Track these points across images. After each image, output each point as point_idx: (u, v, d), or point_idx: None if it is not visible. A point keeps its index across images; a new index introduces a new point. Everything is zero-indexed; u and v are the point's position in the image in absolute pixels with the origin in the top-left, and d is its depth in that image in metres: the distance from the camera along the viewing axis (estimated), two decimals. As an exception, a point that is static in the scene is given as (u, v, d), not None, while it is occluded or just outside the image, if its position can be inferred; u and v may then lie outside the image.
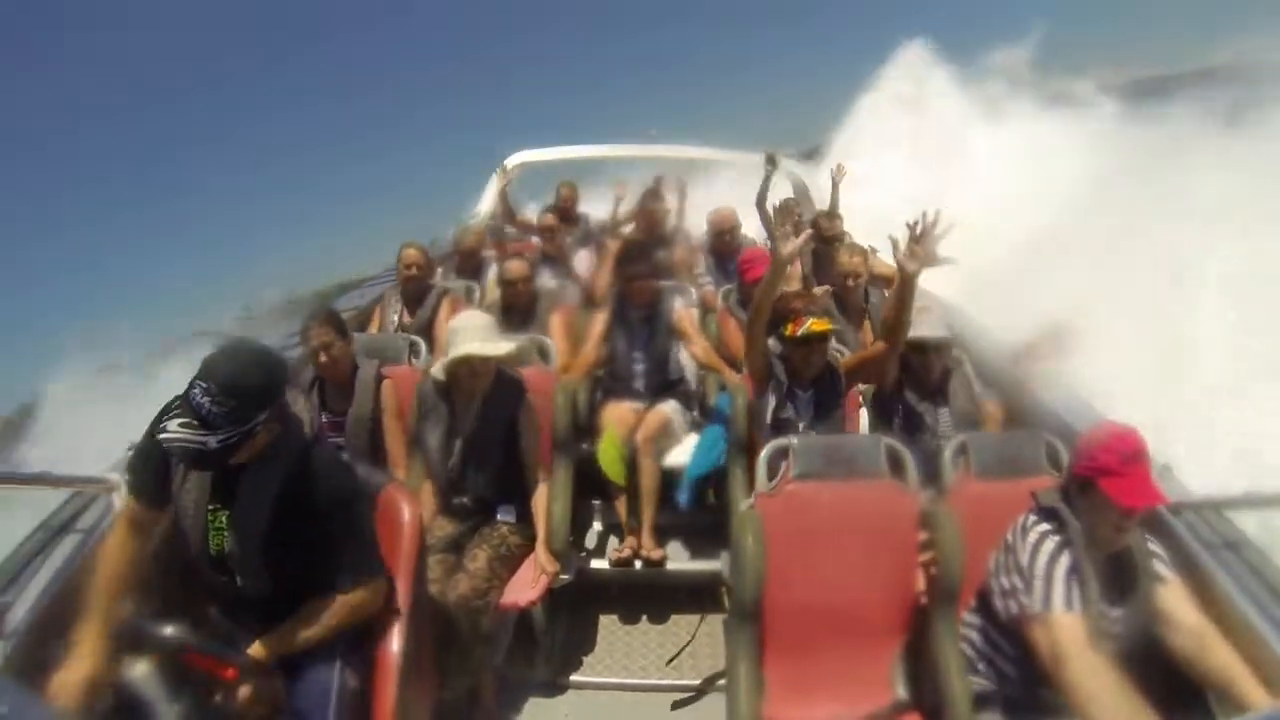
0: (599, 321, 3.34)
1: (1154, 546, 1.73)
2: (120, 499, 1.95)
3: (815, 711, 1.96)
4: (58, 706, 1.37)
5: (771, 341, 2.53)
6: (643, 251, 3.40)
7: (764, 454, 2.22)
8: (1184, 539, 1.90)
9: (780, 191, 5.47)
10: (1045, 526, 1.67)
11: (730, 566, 2.20)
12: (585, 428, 3.09)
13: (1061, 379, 2.65)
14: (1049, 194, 6.75)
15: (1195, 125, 6.90)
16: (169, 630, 1.39)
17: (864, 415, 2.82)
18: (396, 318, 3.78)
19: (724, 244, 4.49)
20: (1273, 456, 3.79)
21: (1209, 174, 5.86)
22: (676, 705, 2.53)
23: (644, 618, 2.95)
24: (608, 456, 2.93)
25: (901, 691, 1.98)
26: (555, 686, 2.61)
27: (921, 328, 2.52)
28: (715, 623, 2.85)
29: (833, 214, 4.55)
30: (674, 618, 2.94)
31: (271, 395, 1.46)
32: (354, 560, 1.60)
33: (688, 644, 2.79)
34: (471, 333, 2.44)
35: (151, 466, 1.59)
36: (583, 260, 4.76)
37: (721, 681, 2.34)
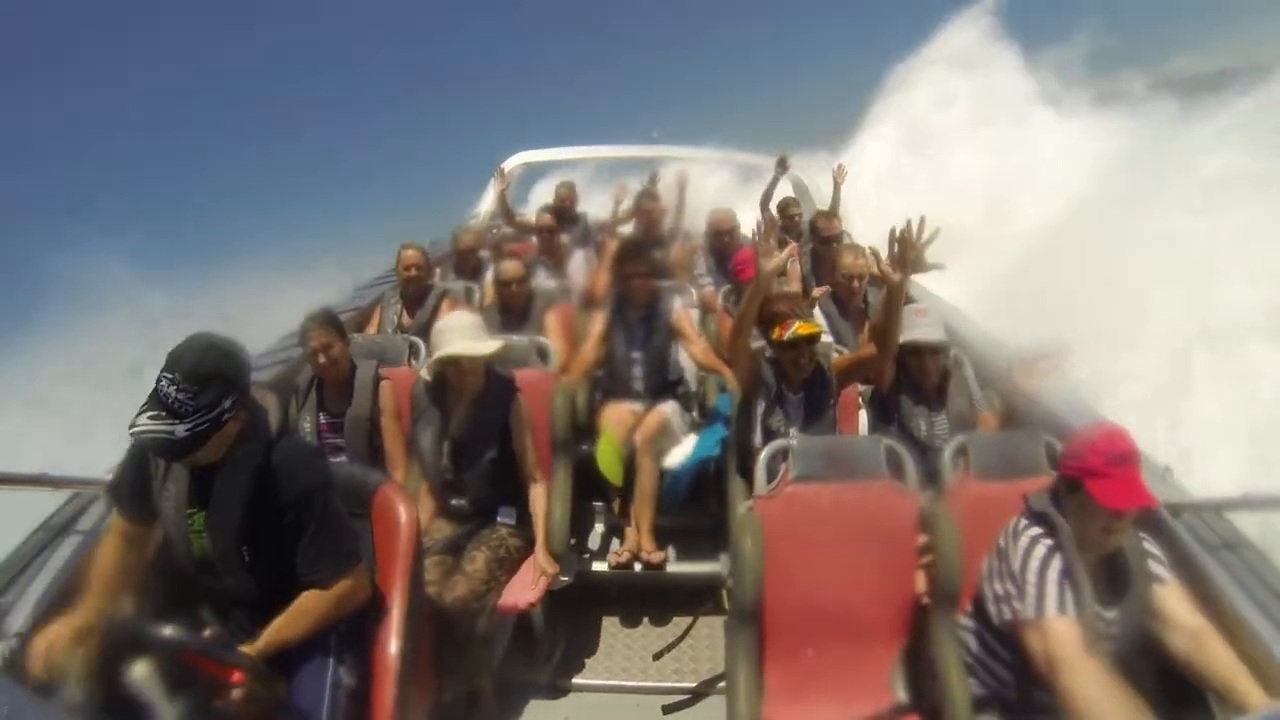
0: (598, 321, 3.33)
1: (1150, 547, 1.72)
2: None
3: (815, 713, 1.95)
4: (58, 708, 1.37)
5: (761, 345, 2.54)
6: (640, 250, 3.39)
7: (763, 456, 2.22)
8: (1184, 540, 1.90)
9: (780, 190, 5.50)
10: (1036, 530, 1.66)
11: (730, 568, 2.20)
12: (584, 429, 3.08)
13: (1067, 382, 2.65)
14: (1101, 187, 6.62)
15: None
16: (173, 633, 1.39)
17: (863, 417, 2.82)
18: (396, 319, 3.79)
19: (723, 244, 4.49)
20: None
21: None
22: (676, 707, 2.53)
23: (644, 620, 2.95)
24: (606, 458, 2.92)
25: (901, 693, 1.98)
26: (555, 688, 2.61)
27: (918, 330, 2.52)
28: (715, 624, 2.85)
29: (832, 214, 4.56)
30: (674, 620, 2.93)
31: (236, 381, 1.48)
32: (331, 551, 1.60)
33: (682, 643, 2.79)
34: (457, 333, 2.43)
35: (130, 479, 1.63)
36: (580, 260, 4.75)
37: (721, 683, 2.34)
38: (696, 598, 2.94)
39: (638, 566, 2.90)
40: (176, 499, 1.59)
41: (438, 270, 4.35)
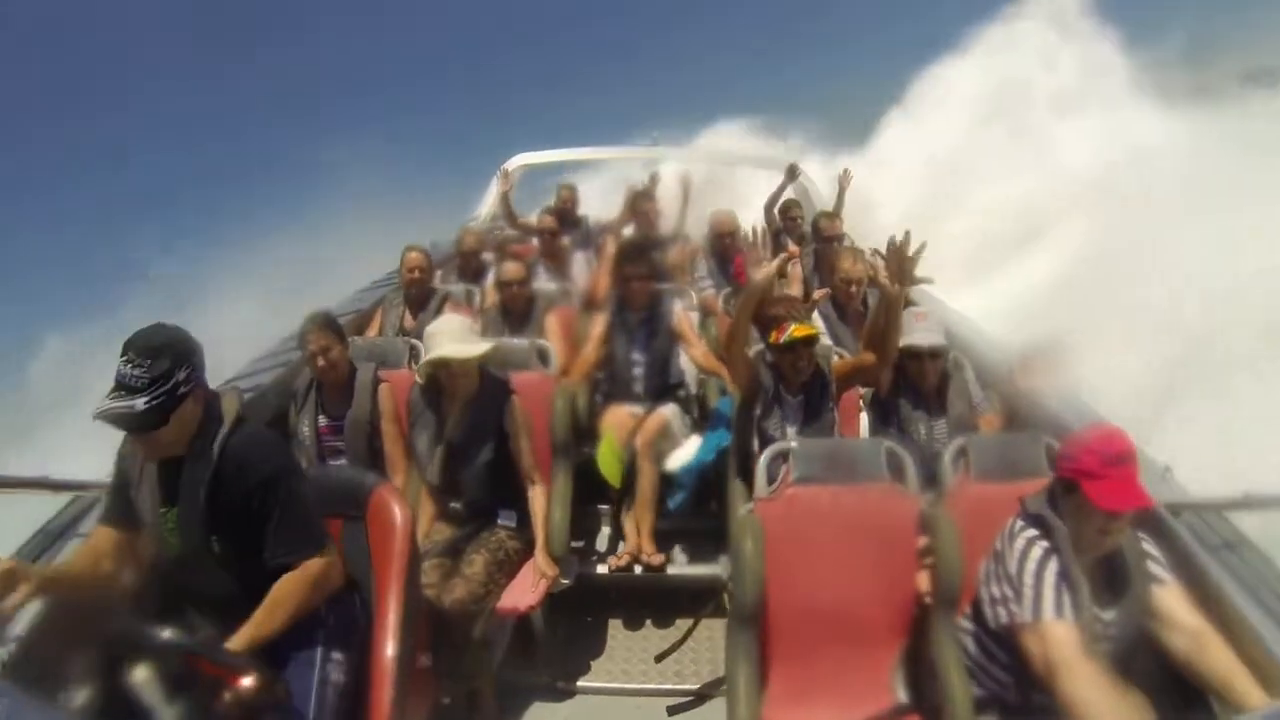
0: (598, 324, 3.34)
1: (1149, 547, 1.71)
2: None
3: (815, 714, 1.95)
4: (58, 712, 1.38)
5: (760, 348, 2.54)
6: (640, 252, 3.40)
7: (763, 458, 2.22)
8: (1184, 540, 1.90)
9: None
10: (1032, 532, 1.66)
11: (730, 570, 2.20)
12: (585, 431, 3.09)
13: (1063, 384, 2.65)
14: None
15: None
16: (175, 636, 1.40)
17: (863, 419, 2.82)
18: (398, 321, 3.79)
19: (724, 247, 4.49)
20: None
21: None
22: (677, 709, 2.53)
23: (644, 622, 2.95)
24: (607, 460, 2.92)
25: (901, 695, 1.98)
26: (555, 691, 2.61)
27: (916, 334, 2.51)
28: (716, 627, 2.84)
29: (834, 214, 4.56)
30: (674, 622, 2.93)
31: (187, 356, 1.53)
32: (297, 533, 1.62)
33: (683, 645, 2.78)
34: (446, 335, 2.43)
35: (113, 487, 1.68)
36: (581, 263, 4.76)
37: (722, 685, 2.34)
38: (697, 600, 2.93)
39: (638, 569, 2.90)
40: (151, 500, 1.62)
41: (439, 272, 4.36)
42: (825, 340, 3.08)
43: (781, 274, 3.45)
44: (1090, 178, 7.78)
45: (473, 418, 2.48)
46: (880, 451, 2.17)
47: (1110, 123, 9.01)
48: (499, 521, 2.50)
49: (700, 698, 2.54)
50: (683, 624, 2.91)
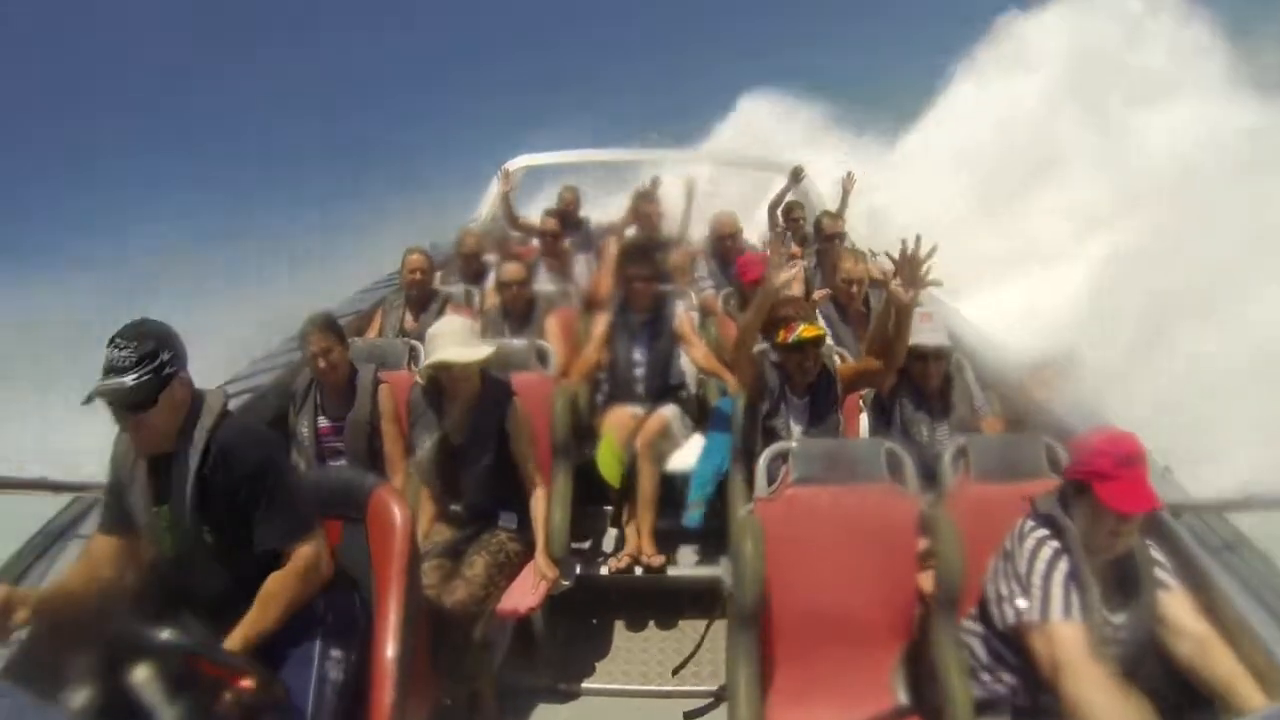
0: (601, 323, 3.34)
1: (1156, 554, 1.71)
2: None
3: (816, 716, 1.95)
4: (59, 712, 1.38)
5: (766, 348, 2.54)
6: (643, 253, 3.40)
7: (763, 459, 2.22)
8: (1184, 541, 1.89)
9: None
10: (1043, 532, 1.65)
11: (730, 571, 2.20)
12: (585, 432, 3.09)
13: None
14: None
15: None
16: (177, 637, 1.40)
17: (864, 420, 2.82)
18: (399, 322, 3.79)
19: (726, 248, 4.50)
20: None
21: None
22: (677, 711, 2.53)
23: (644, 624, 2.94)
24: (607, 461, 2.92)
25: (902, 696, 1.98)
26: (556, 693, 2.61)
27: (921, 335, 2.51)
28: (716, 628, 2.84)
29: (837, 214, 4.57)
30: (675, 623, 2.93)
31: (169, 340, 1.60)
32: (287, 520, 1.63)
33: (683, 647, 2.78)
34: (448, 338, 2.42)
35: (109, 491, 1.70)
36: (582, 264, 4.76)
37: (722, 687, 2.33)
38: (697, 601, 2.93)
39: (638, 570, 2.89)
40: (144, 499, 1.63)
41: (439, 273, 4.36)
42: (827, 340, 3.08)
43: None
44: (1167, 176, 6.76)
45: (474, 420, 2.48)
46: (880, 452, 2.17)
47: (1198, 114, 7.67)
48: (499, 523, 2.50)
49: (700, 699, 2.54)
50: (683, 625, 2.91)
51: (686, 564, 3.02)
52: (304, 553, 1.63)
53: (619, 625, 2.94)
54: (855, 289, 3.42)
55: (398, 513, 1.77)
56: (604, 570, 2.93)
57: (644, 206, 4.87)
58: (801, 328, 2.40)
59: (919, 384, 2.59)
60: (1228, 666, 1.57)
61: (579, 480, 2.79)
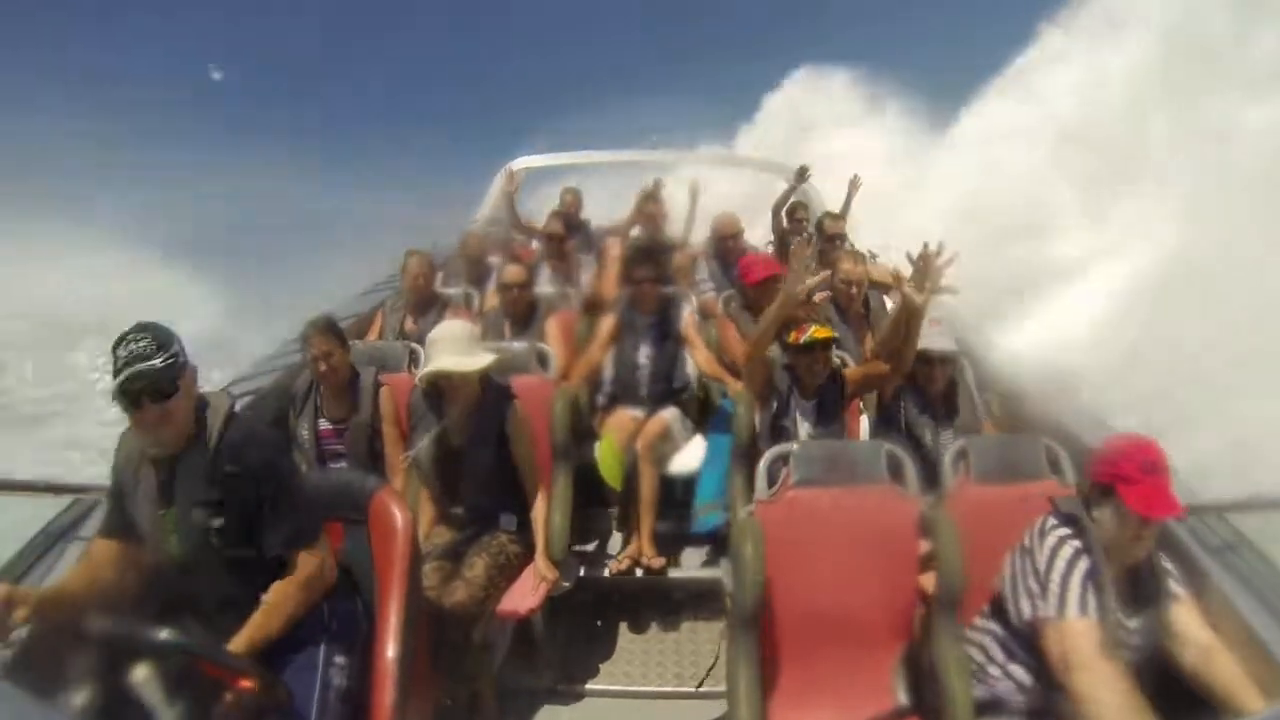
0: (606, 324, 3.34)
1: (1167, 564, 1.72)
2: None
3: (816, 717, 1.95)
4: (59, 713, 1.38)
5: (775, 350, 2.54)
6: (651, 255, 3.40)
7: (764, 460, 2.22)
8: (1185, 542, 1.90)
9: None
10: (1064, 531, 1.66)
11: (731, 573, 2.20)
12: (586, 434, 3.09)
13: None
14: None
15: None
16: (178, 636, 1.40)
17: (864, 421, 2.82)
18: (399, 325, 3.79)
19: (728, 249, 4.50)
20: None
21: None
22: (678, 712, 2.53)
23: (644, 625, 2.94)
24: (607, 463, 2.92)
25: (902, 696, 1.98)
26: (556, 694, 2.61)
27: (929, 339, 2.51)
28: (716, 629, 2.84)
29: (838, 215, 4.58)
30: (674, 625, 2.93)
31: (171, 331, 1.61)
32: (295, 526, 1.63)
33: (684, 648, 2.78)
34: (448, 345, 2.41)
35: (112, 500, 1.69)
36: (584, 267, 4.75)
37: (722, 688, 2.33)
38: (698, 602, 2.94)
39: (638, 572, 2.90)
40: (147, 504, 1.63)
41: (440, 274, 4.36)
42: None
43: (777, 279, 3.46)
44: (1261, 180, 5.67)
45: (474, 422, 2.48)
46: (880, 454, 2.17)
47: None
48: (500, 525, 2.50)
49: (701, 700, 2.54)
50: (683, 627, 2.91)
51: (686, 566, 3.02)
52: (309, 560, 1.63)
53: (619, 627, 2.94)
54: (855, 290, 3.42)
55: (399, 515, 1.78)
56: (604, 572, 2.94)
57: (649, 207, 4.86)
58: (813, 329, 2.41)
59: (923, 387, 2.59)
60: (1230, 674, 1.58)
61: (579, 482, 2.79)
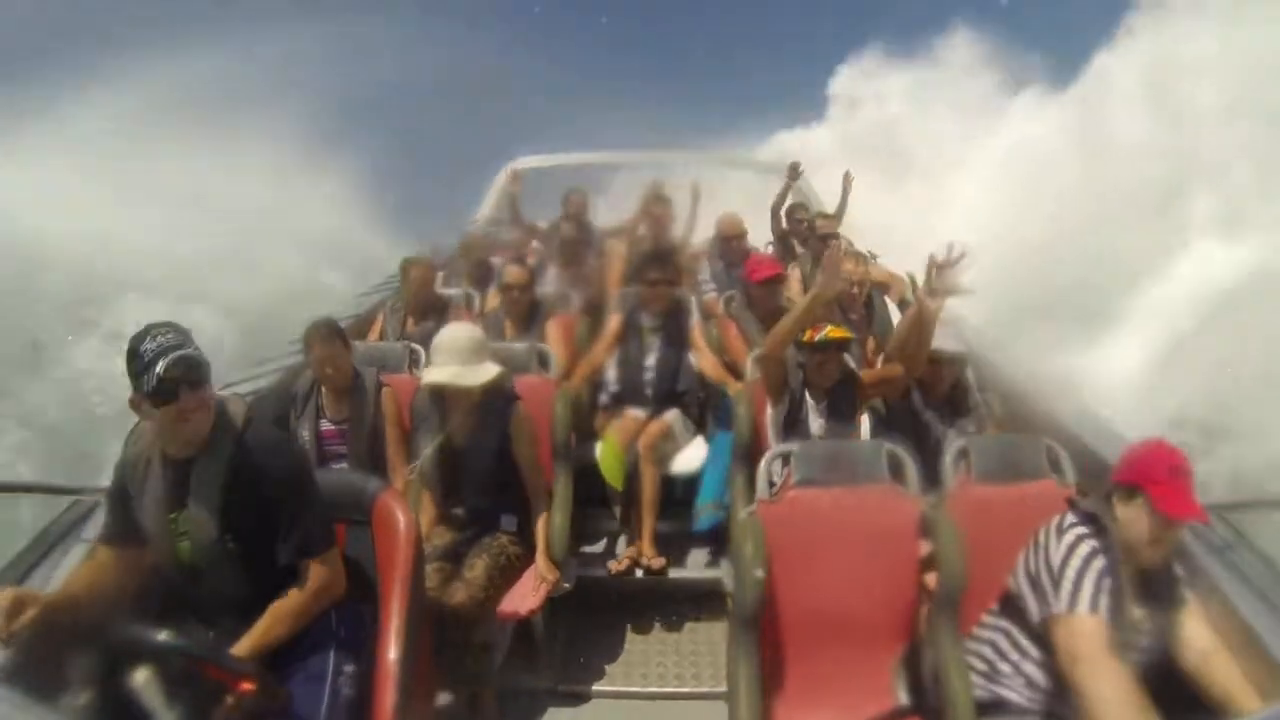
0: (612, 324, 3.33)
1: (1177, 571, 1.72)
2: None
3: (817, 717, 1.95)
4: (59, 715, 1.38)
5: (790, 349, 2.54)
6: (661, 256, 3.39)
7: (765, 460, 2.22)
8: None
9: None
10: (1082, 529, 1.65)
11: (731, 574, 2.19)
12: (586, 435, 3.08)
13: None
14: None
15: None
16: (179, 639, 1.40)
17: (865, 421, 2.82)
18: (399, 326, 3.79)
19: (731, 250, 4.49)
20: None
21: None
22: (679, 713, 2.52)
23: (645, 626, 2.94)
24: (608, 463, 2.92)
25: (903, 697, 1.97)
26: (556, 695, 2.60)
27: (937, 339, 2.51)
28: (717, 630, 2.84)
29: (835, 216, 4.58)
30: (675, 625, 2.93)
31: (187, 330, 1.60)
32: (312, 533, 1.63)
33: (684, 649, 2.78)
34: (452, 355, 2.38)
35: (112, 498, 1.68)
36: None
37: (723, 688, 2.33)
38: (698, 603, 2.94)
39: (639, 572, 2.90)
40: (156, 506, 1.61)
41: (441, 275, 4.36)
42: None
43: (781, 279, 3.46)
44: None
45: (477, 424, 2.48)
46: (881, 454, 2.16)
47: None
48: (500, 526, 2.50)
49: (702, 700, 2.54)
50: (684, 627, 2.91)
51: (688, 567, 3.02)
52: (319, 570, 1.62)
53: (620, 628, 2.93)
54: (856, 290, 3.42)
55: (403, 518, 1.78)
56: (605, 572, 2.93)
57: (655, 208, 4.84)
58: (828, 328, 2.41)
59: (930, 386, 2.59)
60: (1230, 677, 1.58)
61: (580, 483, 2.79)
